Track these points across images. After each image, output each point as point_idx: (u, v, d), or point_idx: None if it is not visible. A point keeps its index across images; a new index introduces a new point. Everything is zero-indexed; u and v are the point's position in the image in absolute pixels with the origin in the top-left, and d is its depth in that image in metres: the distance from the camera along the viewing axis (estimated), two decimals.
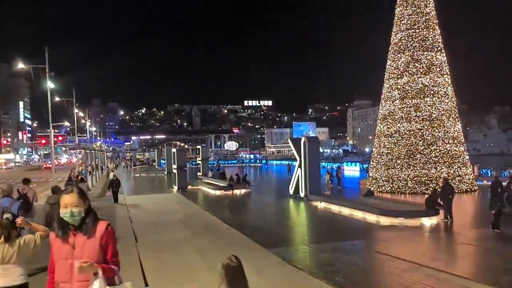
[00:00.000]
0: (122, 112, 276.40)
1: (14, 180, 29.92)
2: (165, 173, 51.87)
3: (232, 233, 13.32)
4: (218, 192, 28.15)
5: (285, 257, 10.16)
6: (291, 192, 23.82)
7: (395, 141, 24.70)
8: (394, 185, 24.29)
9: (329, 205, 19.81)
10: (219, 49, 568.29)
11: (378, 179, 25.30)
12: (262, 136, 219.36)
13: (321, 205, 20.47)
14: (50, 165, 34.19)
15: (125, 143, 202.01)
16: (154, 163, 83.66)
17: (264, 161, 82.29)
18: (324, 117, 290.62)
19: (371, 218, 16.07)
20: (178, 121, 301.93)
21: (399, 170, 24.19)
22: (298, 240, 12.71)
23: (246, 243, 11.88)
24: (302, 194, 22.51)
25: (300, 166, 22.56)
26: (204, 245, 11.14)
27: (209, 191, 29.42)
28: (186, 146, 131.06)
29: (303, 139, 22.40)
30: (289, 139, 24.57)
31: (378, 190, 24.73)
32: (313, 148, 21.77)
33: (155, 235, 12.74)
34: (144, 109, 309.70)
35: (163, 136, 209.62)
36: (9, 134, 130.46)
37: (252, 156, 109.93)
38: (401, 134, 24.54)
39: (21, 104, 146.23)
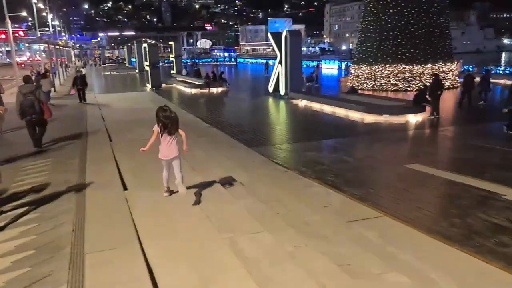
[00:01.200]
0: (86, 6, 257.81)
1: None
2: (137, 71, 49.81)
3: (213, 131, 12.66)
4: (193, 91, 27.03)
5: (270, 156, 9.61)
6: (270, 90, 22.97)
7: (379, 34, 23.48)
8: (376, 82, 23.65)
9: (310, 103, 19.16)
10: None
11: (360, 76, 24.56)
12: (236, 34, 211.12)
13: (302, 103, 19.83)
14: (21, 62, 31.82)
15: (92, 40, 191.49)
16: (124, 61, 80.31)
17: (240, 60, 79.84)
18: (301, 14, 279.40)
19: (355, 115, 15.57)
20: (147, 16, 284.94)
21: (383, 67, 23.38)
22: (281, 139, 12.12)
23: (229, 141, 11.27)
24: (282, 92, 21.71)
25: (280, 62, 21.39)
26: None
27: (184, 89, 28.24)
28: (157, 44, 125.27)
29: (284, 33, 20.88)
30: (269, 33, 22.93)
31: (360, 88, 24.12)
32: (295, 43, 20.41)
33: (129, 134, 11.85)
34: (110, 2, 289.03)
35: (133, 33, 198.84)
36: None
37: (226, 54, 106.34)
38: (386, 28, 23.25)
39: None
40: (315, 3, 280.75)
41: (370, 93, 22.30)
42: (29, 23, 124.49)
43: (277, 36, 21.73)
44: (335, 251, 4.63)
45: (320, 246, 4.74)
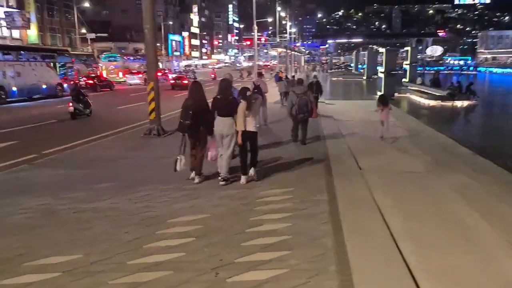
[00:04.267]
0: (319, 15, 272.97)
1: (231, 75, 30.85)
2: (364, 78, 48.64)
3: (489, 165, 8.87)
4: (432, 103, 23.93)
5: None
6: None
7: None
8: None
9: None
10: None
11: None
12: (474, 40, 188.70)
13: None
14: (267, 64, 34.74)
15: (321, 47, 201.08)
16: (350, 68, 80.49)
17: (481, 69, 69.95)
18: None
19: None
20: (376, 23, 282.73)
21: None
22: None
23: None
24: None
25: None
26: (463, 182, 6.96)
27: (419, 100, 25.38)
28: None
29: None
30: None
31: None
32: None
33: (377, 158, 8.82)
34: (342, 11, 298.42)
35: (360, 40, 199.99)
36: (220, 36, 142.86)
37: (462, 62, 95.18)
38: None
39: (230, 7, 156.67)
40: None
41: None
42: (269, 32, 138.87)
43: None
44: None
45: None
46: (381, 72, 27.22)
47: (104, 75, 38.27)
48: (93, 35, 48.40)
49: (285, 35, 59.61)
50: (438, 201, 5.85)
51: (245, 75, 56.36)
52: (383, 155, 9.26)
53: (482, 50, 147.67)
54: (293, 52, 62.59)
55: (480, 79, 55.37)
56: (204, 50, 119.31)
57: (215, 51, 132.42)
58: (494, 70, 65.08)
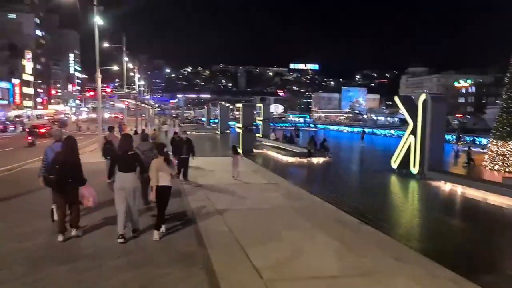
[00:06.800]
0: (168, 70, 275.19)
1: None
2: (218, 132, 47.89)
3: (375, 233, 8.17)
4: (290, 159, 23.32)
5: None
6: (393, 165, 18.54)
7: None
8: None
9: (461, 187, 14.43)
10: (266, 10, 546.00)
11: (508, 156, 19.41)
12: (308, 100, 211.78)
13: (445, 186, 15.18)
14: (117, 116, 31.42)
15: (170, 101, 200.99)
16: (201, 122, 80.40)
17: (320, 126, 76.49)
18: (373, 84, 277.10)
19: None
20: (223, 81, 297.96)
21: None
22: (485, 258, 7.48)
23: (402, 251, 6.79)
24: (414, 170, 17.18)
25: (414, 132, 17.10)
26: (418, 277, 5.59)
27: (277, 156, 24.66)
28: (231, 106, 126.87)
29: (422, 97, 16.74)
30: (396, 97, 18.86)
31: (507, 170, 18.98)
32: (438, 110, 16.14)
33: (272, 247, 6.71)
34: (190, 68, 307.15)
35: (209, 96, 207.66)
36: (58, 85, 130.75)
37: (302, 119, 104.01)
38: None
39: (71, 56, 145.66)
40: (387, 75, 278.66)
41: None
42: (116, 84, 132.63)
43: (409, 100, 17.73)
44: None
45: None
46: (238, 127, 25.96)
47: None
48: None
49: (134, 86, 56.26)
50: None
51: (84, 126, 50.91)
52: (272, 246, 7.00)
53: (316, 109, 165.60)
54: (143, 104, 59.36)
55: (320, 135, 59.84)
56: (39, 99, 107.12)
57: (52, 101, 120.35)
58: (331, 127, 71.49)
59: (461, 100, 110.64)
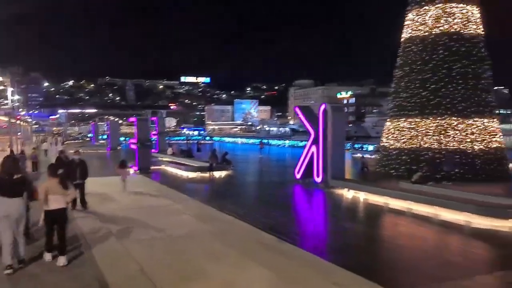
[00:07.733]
0: (47, 84, 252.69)
1: None
2: (108, 149, 44.65)
3: (297, 252, 7.74)
4: (191, 174, 22.25)
5: None
6: (297, 176, 18.60)
7: None
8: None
9: (364, 194, 14.83)
10: (153, 23, 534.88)
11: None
12: (202, 113, 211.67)
13: (348, 193, 15.53)
14: None
15: (50, 117, 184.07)
16: (87, 138, 74.91)
17: (215, 138, 76.18)
18: (263, 96, 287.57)
19: (455, 217, 11.26)
20: (110, 95, 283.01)
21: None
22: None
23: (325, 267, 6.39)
24: (318, 179, 17.36)
25: (316, 142, 17.31)
26: None
27: (177, 172, 23.42)
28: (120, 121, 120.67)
29: (322, 107, 17.03)
30: (297, 107, 18.92)
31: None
32: (338, 119, 16.53)
33: None
34: (72, 81, 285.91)
35: (94, 110, 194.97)
36: None
37: (196, 132, 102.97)
38: None
39: None
40: (276, 87, 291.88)
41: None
42: None
43: (309, 111, 17.95)
44: None
45: None
46: (133, 143, 24.11)
47: None
48: None
49: (6, 101, 50.03)
50: None
51: None
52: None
53: (210, 122, 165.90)
54: (18, 121, 53.03)
55: (220, 147, 59.46)
56: None
57: None
58: (226, 139, 71.72)
59: (344, 110, 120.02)
